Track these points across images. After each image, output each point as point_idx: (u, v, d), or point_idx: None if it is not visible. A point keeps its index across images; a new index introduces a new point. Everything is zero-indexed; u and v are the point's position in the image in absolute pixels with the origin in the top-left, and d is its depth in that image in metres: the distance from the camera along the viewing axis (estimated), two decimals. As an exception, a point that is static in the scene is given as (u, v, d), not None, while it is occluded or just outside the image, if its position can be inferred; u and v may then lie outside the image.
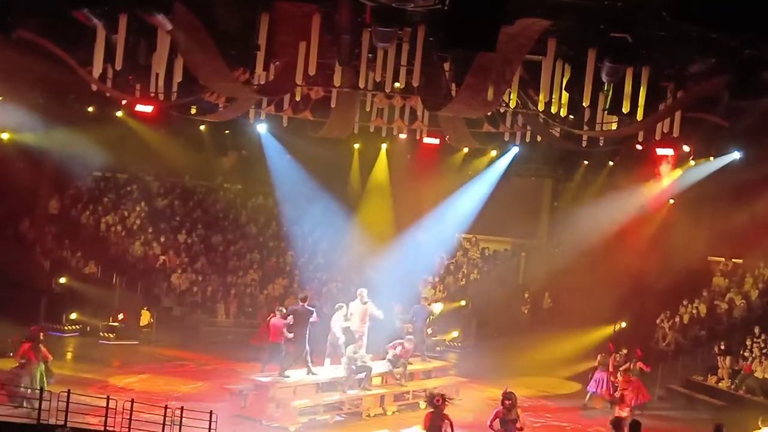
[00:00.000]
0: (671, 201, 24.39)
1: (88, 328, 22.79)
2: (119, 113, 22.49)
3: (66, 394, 13.18)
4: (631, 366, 18.34)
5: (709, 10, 8.70)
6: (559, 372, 21.95)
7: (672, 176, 23.30)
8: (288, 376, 16.32)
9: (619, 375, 18.28)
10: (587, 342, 22.45)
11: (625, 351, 19.40)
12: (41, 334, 15.95)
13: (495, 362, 21.93)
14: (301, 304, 17.02)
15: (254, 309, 24.73)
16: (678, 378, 21.62)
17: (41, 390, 13.77)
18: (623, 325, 23.74)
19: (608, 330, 23.36)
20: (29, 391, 14.78)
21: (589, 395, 19.24)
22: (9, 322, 17.79)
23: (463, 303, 25.91)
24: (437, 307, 21.68)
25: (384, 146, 26.63)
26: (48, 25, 12.22)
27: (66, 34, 12.42)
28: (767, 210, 21.35)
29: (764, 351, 20.42)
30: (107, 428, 13.15)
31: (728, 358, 20.81)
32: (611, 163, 24.83)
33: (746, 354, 20.61)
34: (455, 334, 24.60)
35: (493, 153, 25.83)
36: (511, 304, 26.38)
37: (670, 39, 11.36)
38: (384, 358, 17.74)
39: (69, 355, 20.71)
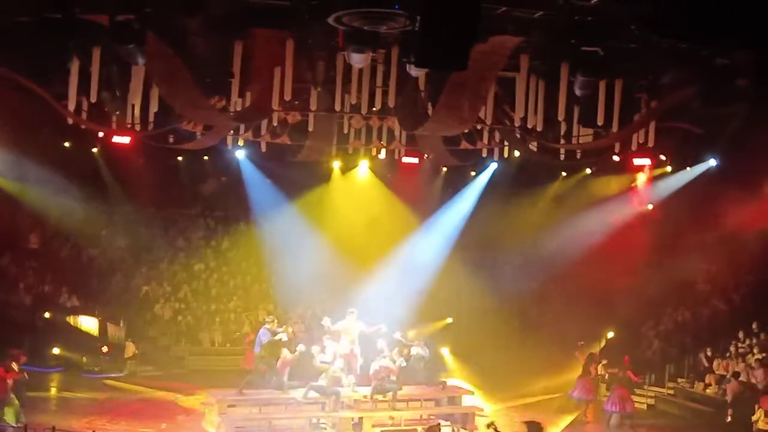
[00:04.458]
0: (650, 206, 24.57)
1: (73, 362, 22.58)
2: (95, 150, 22.43)
3: (50, 430, 13.05)
4: (620, 374, 18.42)
5: (678, 21, 8.79)
6: (548, 385, 21.94)
7: (649, 185, 23.51)
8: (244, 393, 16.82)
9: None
10: (575, 354, 22.47)
11: (605, 361, 19.49)
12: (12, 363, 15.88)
13: (485, 377, 21.90)
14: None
15: (240, 336, 24.61)
16: (665, 385, 21.71)
17: (26, 427, 13.64)
18: (611, 335, 23.83)
19: (595, 342, 23.45)
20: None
21: (577, 404, 19.27)
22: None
23: (449, 320, 25.90)
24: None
25: (364, 164, 26.58)
26: (20, 60, 12.18)
27: (39, 67, 12.38)
28: (746, 215, 21.52)
29: (741, 352, 20.61)
30: (95, 462, 13.04)
31: (715, 363, 20.92)
32: (588, 171, 25.01)
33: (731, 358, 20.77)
34: (447, 350, 24.53)
35: (473, 174, 25.98)
36: (499, 318, 26.38)
37: (641, 51, 11.48)
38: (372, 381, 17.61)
39: (54, 390, 20.53)
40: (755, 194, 21.08)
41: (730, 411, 18.19)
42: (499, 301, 27.24)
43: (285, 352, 17.38)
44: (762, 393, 18.27)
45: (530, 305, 26.79)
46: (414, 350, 18.42)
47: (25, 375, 16.40)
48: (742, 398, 18.12)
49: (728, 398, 18.72)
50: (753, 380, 19.24)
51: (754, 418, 17.47)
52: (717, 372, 20.69)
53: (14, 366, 15.77)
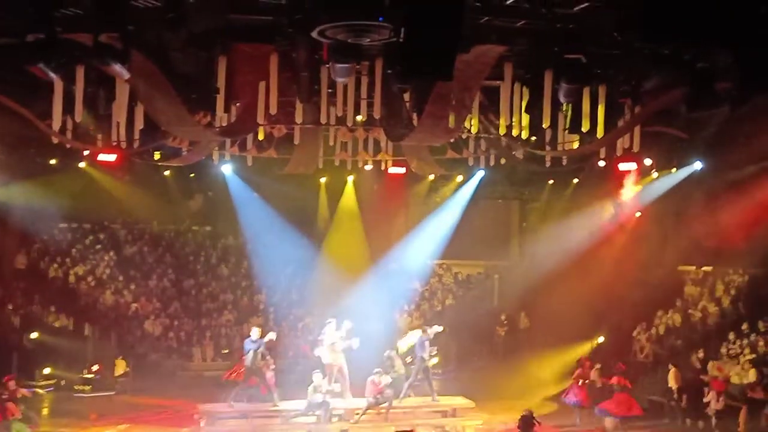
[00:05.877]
0: (638, 214, 24.62)
1: (63, 382, 22.34)
2: (82, 164, 22.34)
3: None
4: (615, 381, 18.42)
5: (659, 26, 8.83)
6: (540, 392, 21.92)
7: (635, 189, 23.54)
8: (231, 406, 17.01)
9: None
10: (566, 360, 22.48)
11: (599, 366, 19.50)
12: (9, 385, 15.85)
13: (477, 387, 21.84)
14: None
15: (231, 350, 24.53)
16: (658, 389, 21.70)
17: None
18: (601, 339, 23.85)
19: (586, 346, 23.46)
20: None
21: (571, 408, 19.29)
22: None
23: (440, 329, 25.82)
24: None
25: (350, 178, 26.67)
26: (3, 80, 12.13)
27: (22, 87, 12.34)
28: (732, 217, 21.61)
29: (731, 354, 20.67)
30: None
31: (709, 365, 20.93)
32: (576, 180, 25.06)
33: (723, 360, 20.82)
34: (435, 360, 24.44)
35: (459, 179, 25.98)
36: (489, 326, 26.38)
37: (623, 57, 11.52)
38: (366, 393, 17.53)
39: (45, 411, 20.34)
40: (741, 195, 21.15)
41: (684, 396, 19.26)
42: (489, 307, 27.29)
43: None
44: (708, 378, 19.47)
45: (520, 310, 26.78)
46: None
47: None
48: (691, 384, 19.31)
49: (672, 386, 19.73)
50: (745, 380, 19.34)
51: (705, 400, 18.63)
52: (710, 374, 20.70)
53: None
